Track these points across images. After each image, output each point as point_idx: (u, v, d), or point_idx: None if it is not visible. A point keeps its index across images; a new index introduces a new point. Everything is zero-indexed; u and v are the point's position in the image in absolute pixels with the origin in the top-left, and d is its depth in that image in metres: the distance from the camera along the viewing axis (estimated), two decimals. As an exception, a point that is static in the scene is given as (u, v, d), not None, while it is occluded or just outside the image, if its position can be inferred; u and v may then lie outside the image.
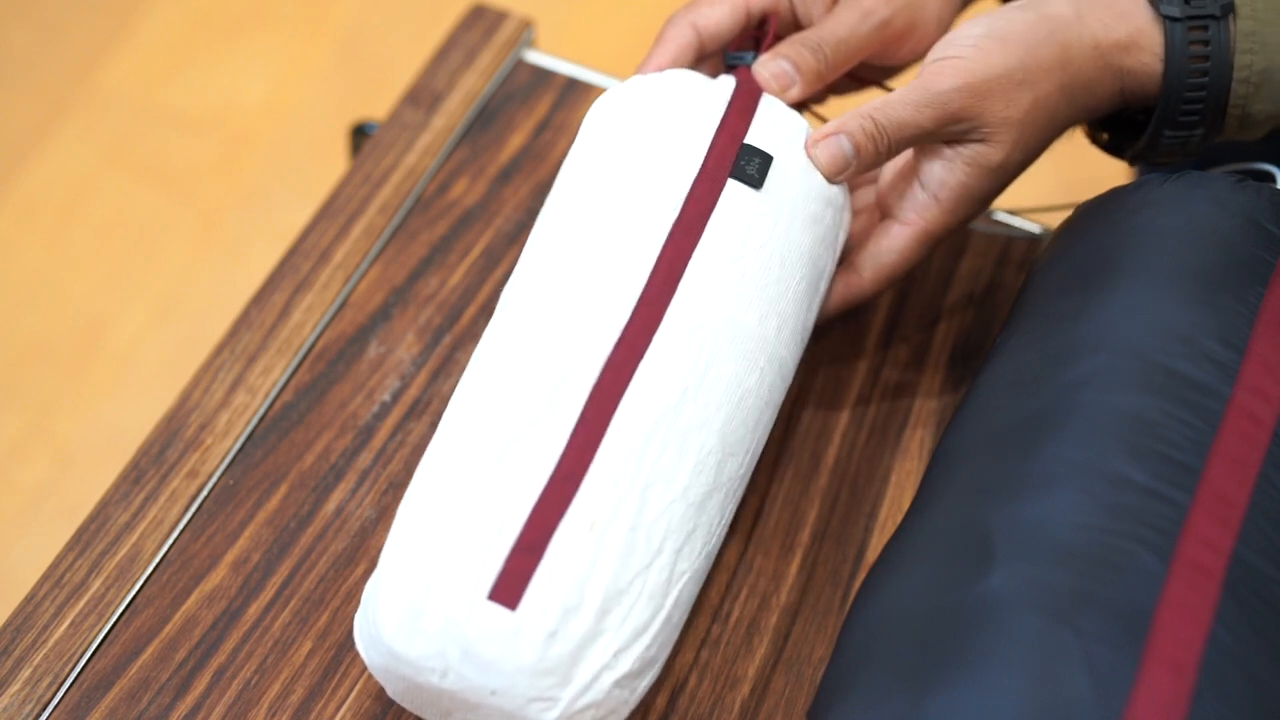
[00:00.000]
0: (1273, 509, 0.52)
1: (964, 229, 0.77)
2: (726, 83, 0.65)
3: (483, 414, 0.57)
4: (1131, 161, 0.68)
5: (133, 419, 1.40)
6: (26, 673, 0.61)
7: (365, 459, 0.68)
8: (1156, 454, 0.52)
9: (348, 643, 0.63)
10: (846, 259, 0.69)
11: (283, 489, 0.67)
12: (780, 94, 0.66)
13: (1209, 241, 0.59)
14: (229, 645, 0.63)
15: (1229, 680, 0.48)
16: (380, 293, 0.74)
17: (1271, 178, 0.66)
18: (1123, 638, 0.48)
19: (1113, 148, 0.69)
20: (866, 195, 0.71)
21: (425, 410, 0.70)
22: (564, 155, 0.79)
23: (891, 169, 0.70)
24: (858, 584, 0.66)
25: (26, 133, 1.71)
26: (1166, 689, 0.47)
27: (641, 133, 0.63)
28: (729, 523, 0.60)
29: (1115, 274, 0.59)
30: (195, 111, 1.73)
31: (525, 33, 0.84)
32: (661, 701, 0.62)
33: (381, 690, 0.61)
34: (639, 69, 0.68)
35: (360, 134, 0.87)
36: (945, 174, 0.66)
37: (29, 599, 0.63)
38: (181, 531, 0.66)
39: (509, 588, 0.53)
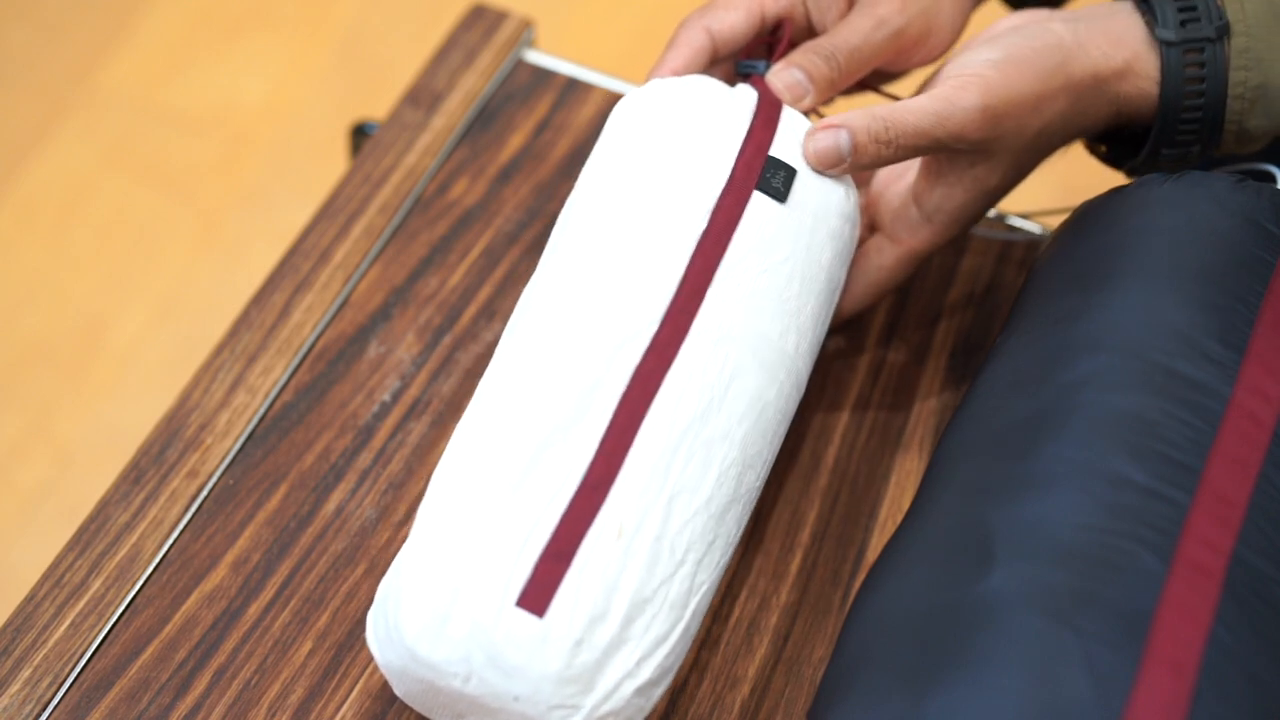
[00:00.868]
0: (1273, 509, 0.52)
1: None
2: (748, 92, 0.65)
3: (510, 418, 0.57)
4: (1129, 174, 0.68)
5: (133, 419, 1.41)
6: (26, 673, 0.61)
7: (365, 459, 0.68)
8: (1156, 454, 0.53)
9: (348, 643, 0.63)
10: None
11: (283, 489, 0.67)
12: (793, 104, 0.66)
13: (1209, 241, 0.59)
14: (229, 645, 0.63)
15: (1229, 680, 0.48)
16: (380, 293, 0.74)
17: (1271, 178, 0.66)
18: (1123, 638, 0.48)
19: (1111, 160, 0.69)
20: None
21: (425, 410, 0.70)
22: (564, 155, 0.80)
23: (885, 181, 0.70)
24: (858, 584, 0.66)
25: (26, 133, 1.71)
26: (1166, 689, 0.47)
27: (667, 140, 0.63)
28: (743, 533, 0.60)
29: (1115, 274, 0.59)
30: (195, 111, 1.73)
31: (525, 33, 0.84)
32: (662, 701, 0.62)
33: (382, 690, 0.61)
34: (652, 72, 0.68)
35: (360, 134, 0.87)
36: (944, 199, 0.66)
37: (29, 599, 0.63)
38: (181, 531, 0.66)
39: (537, 595, 0.53)
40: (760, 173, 0.62)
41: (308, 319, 0.72)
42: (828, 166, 0.64)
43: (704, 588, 0.57)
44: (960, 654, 0.49)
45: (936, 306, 0.75)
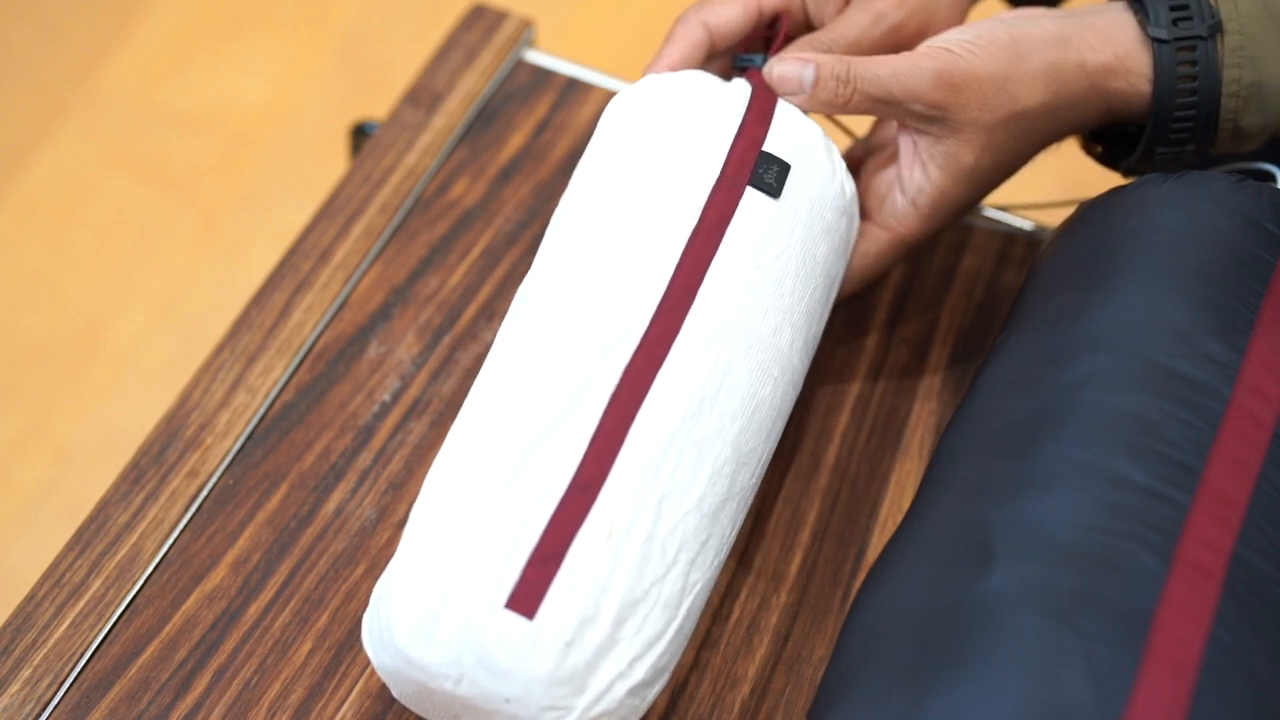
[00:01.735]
0: (1273, 509, 0.52)
1: (961, 227, 0.78)
2: (742, 87, 0.65)
3: (501, 419, 0.57)
4: (1125, 173, 0.68)
5: (133, 419, 1.41)
6: (26, 673, 0.61)
7: (365, 459, 0.68)
8: (1156, 454, 0.52)
9: (348, 643, 0.63)
10: None
11: (283, 489, 0.67)
12: (790, 99, 0.66)
13: (1209, 241, 0.59)
14: (229, 645, 0.63)
15: (1229, 680, 0.48)
16: (380, 293, 0.74)
17: (1271, 177, 0.66)
18: (1123, 638, 0.48)
19: (1106, 160, 0.69)
20: None
21: (425, 410, 0.70)
22: (564, 155, 0.80)
23: (871, 169, 0.70)
24: (858, 584, 0.66)
25: (26, 133, 1.71)
26: (1166, 689, 0.47)
27: (659, 136, 0.63)
28: (739, 531, 0.60)
29: (1115, 274, 0.59)
30: (195, 111, 1.73)
31: (525, 33, 0.84)
32: (662, 702, 0.62)
33: (382, 690, 0.61)
34: (648, 67, 0.68)
35: (360, 134, 0.87)
36: (922, 180, 0.66)
37: (29, 599, 0.63)
38: (181, 531, 0.66)
39: (527, 597, 0.53)
40: (753, 168, 0.62)
41: (308, 319, 0.72)
42: (785, 92, 0.65)
43: (698, 587, 0.57)
44: (960, 654, 0.49)
45: (936, 306, 0.75)
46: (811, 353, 0.64)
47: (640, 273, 0.59)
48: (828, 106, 0.65)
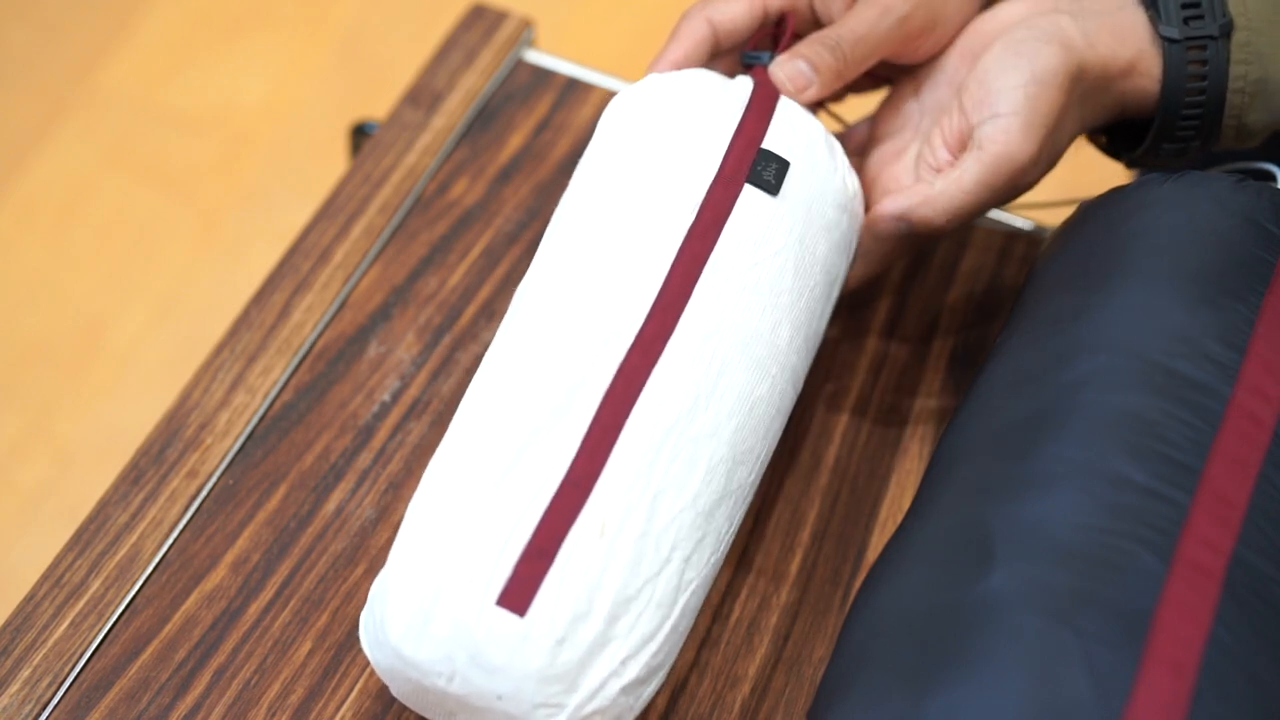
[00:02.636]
0: (1273, 509, 0.52)
1: (962, 225, 0.78)
2: (744, 84, 0.65)
3: (495, 417, 0.57)
4: (1129, 165, 0.68)
5: (133, 419, 1.40)
6: (26, 673, 0.61)
7: (365, 459, 0.68)
8: (1157, 454, 0.52)
9: (348, 643, 0.63)
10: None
11: (283, 489, 0.67)
12: (797, 96, 0.66)
13: (1209, 241, 0.59)
14: (229, 645, 0.63)
15: (1229, 680, 0.48)
16: (380, 293, 0.74)
17: (1272, 177, 0.66)
18: (1123, 638, 0.48)
19: (1110, 151, 0.69)
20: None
21: (425, 410, 0.70)
22: (564, 155, 0.80)
23: (880, 163, 0.70)
24: (858, 584, 0.66)
25: (26, 133, 1.71)
26: (1166, 689, 0.47)
27: (658, 135, 0.63)
28: (737, 530, 0.60)
29: (1115, 274, 0.59)
30: (195, 111, 1.73)
31: (525, 33, 0.84)
32: (662, 701, 0.62)
33: (382, 690, 0.61)
34: (652, 65, 0.67)
35: (360, 134, 0.87)
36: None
37: (29, 599, 0.63)
38: (181, 531, 0.66)
39: (518, 593, 0.53)
40: (751, 165, 0.62)
41: (308, 319, 0.72)
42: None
43: (693, 585, 0.56)
44: (960, 654, 0.49)
45: (937, 306, 0.75)
46: (812, 351, 0.64)
47: (636, 270, 0.59)
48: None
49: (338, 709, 0.61)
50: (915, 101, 0.70)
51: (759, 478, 0.61)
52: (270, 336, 0.72)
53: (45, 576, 0.64)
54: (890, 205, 0.65)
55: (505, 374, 0.58)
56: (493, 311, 0.73)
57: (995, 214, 0.79)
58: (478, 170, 0.79)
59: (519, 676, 0.52)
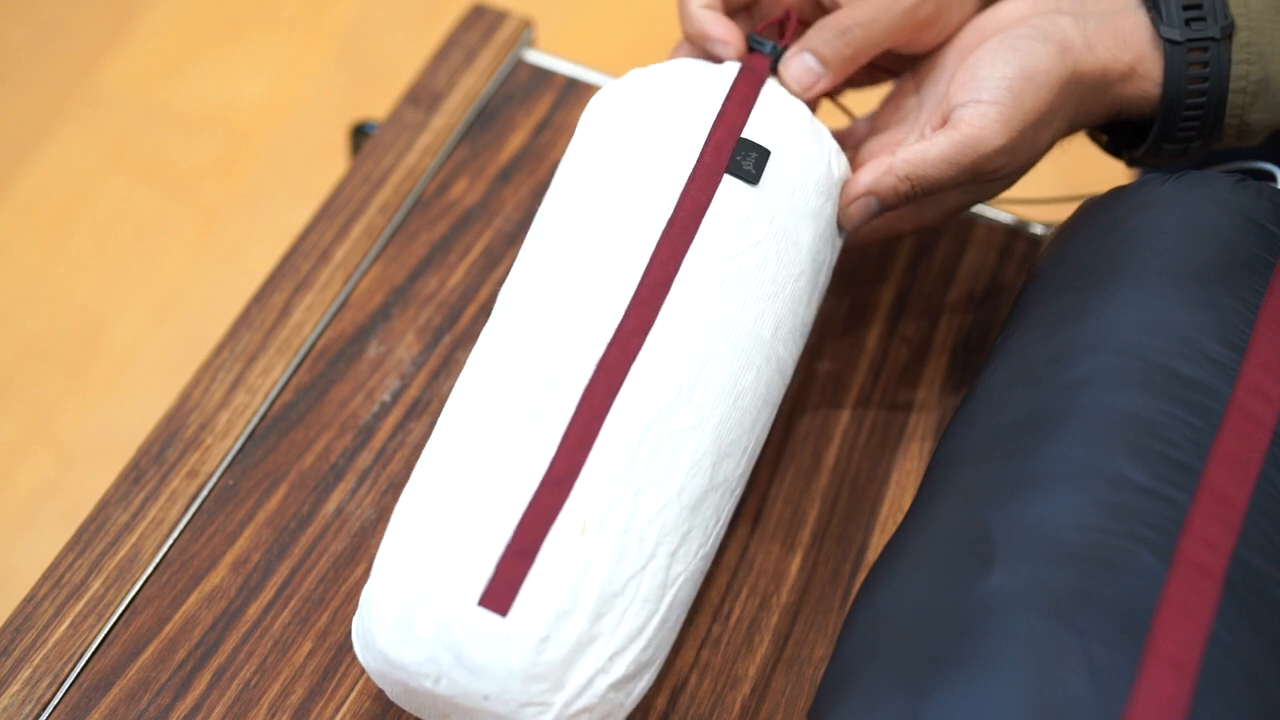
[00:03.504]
0: (1273, 509, 0.52)
1: (962, 223, 0.77)
2: (729, 70, 0.64)
3: (475, 418, 0.56)
4: (1129, 164, 0.68)
5: (133, 419, 1.40)
6: (26, 673, 0.61)
7: (365, 459, 0.68)
8: (1157, 454, 0.52)
9: (348, 643, 0.63)
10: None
11: (283, 489, 0.67)
12: (804, 95, 0.65)
13: (1209, 241, 0.59)
14: (229, 645, 0.63)
15: (1229, 680, 0.48)
16: (380, 293, 0.74)
17: (1272, 177, 0.66)
18: (1123, 638, 0.48)
19: (1111, 150, 0.69)
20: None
21: (425, 410, 0.70)
22: (564, 155, 0.80)
23: (872, 151, 0.70)
24: (858, 584, 0.66)
25: (26, 133, 1.71)
26: (1166, 689, 0.47)
27: (638, 128, 0.62)
28: (727, 523, 0.60)
29: (1116, 274, 0.59)
30: (195, 111, 1.73)
31: (525, 32, 0.84)
32: (662, 701, 0.62)
33: (381, 691, 0.61)
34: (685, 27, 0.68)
35: (360, 134, 0.87)
36: (940, 199, 0.68)
37: (29, 599, 0.63)
38: (181, 531, 0.66)
39: (499, 593, 0.53)
40: (731, 155, 0.61)
41: (308, 319, 0.72)
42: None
43: (680, 579, 0.56)
44: (960, 654, 0.49)
45: (937, 305, 0.75)
46: (801, 341, 0.63)
47: (615, 265, 0.59)
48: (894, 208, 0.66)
49: (338, 709, 0.61)
50: (915, 97, 0.70)
51: (748, 470, 0.61)
52: (270, 336, 0.72)
53: (45, 576, 0.64)
54: (853, 186, 0.65)
55: (485, 374, 0.58)
56: (492, 312, 0.73)
57: (995, 212, 0.79)
58: (478, 170, 0.79)
59: (504, 676, 0.52)
